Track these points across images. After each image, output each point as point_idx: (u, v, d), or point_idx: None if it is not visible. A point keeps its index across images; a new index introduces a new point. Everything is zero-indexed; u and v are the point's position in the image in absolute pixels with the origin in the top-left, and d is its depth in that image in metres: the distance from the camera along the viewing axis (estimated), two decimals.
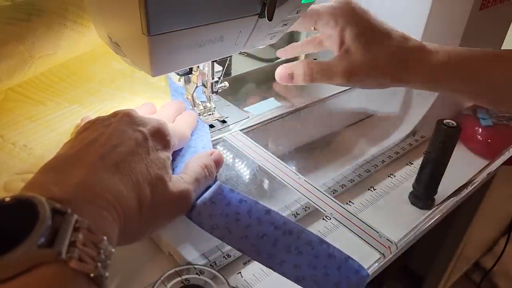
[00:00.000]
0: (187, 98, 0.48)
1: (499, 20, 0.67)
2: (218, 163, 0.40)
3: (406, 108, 0.61)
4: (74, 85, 0.49)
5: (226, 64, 0.47)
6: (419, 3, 0.60)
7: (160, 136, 0.35)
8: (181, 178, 0.35)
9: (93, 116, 0.43)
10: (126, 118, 0.35)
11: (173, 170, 0.38)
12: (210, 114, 0.49)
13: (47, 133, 0.43)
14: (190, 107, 0.49)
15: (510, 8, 0.66)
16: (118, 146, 0.31)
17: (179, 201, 0.34)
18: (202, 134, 0.45)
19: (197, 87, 0.47)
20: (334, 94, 0.59)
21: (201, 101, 0.49)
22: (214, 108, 0.50)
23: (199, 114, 0.48)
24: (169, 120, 0.42)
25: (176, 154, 0.41)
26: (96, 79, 0.50)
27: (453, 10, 0.59)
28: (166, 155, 0.35)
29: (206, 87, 0.48)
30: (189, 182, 0.35)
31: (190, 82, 0.47)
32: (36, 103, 0.46)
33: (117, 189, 0.29)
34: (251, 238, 0.34)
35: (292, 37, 0.77)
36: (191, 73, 0.46)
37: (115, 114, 0.35)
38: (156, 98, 0.49)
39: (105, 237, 0.25)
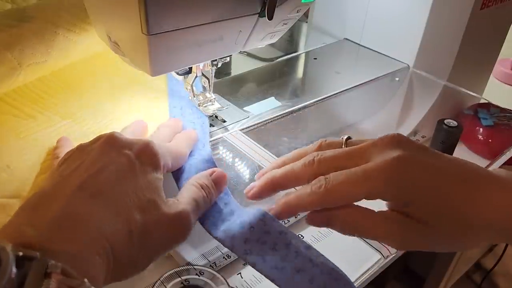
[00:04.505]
0: (187, 89, 0.48)
1: (499, 20, 0.66)
2: (219, 183, 0.36)
3: (407, 108, 0.61)
4: (68, 98, 0.47)
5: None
6: (420, 3, 0.60)
7: (148, 156, 0.32)
8: (177, 200, 0.32)
9: (76, 138, 0.41)
10: (109, 142, 0.32)
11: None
12: (210, 105, 0.49)
13: (34, 153, 0.40)
14: (190, 97, 0.48)
15: (511, 7, 0.66)
16: (100, 173, 0.29)
17: (176, 224, 0.31)
18: (203, 152, 0.41)
19: (196, 77, 0.47)
20: (334, 94, 0.59)
21: (200, 92, 0.49)
22: (214, 98, 0.49)
23: (199, 105, 0.48)
24: (164, 141, 0.40)
25: (177, 176, 0.38)
26: (92, 92, 0.48)
27: (454, 9, 0.59)
28: (157, 176, 0.32)
29: (205, 77, 0.47)
30: (185, 203, 0.32)
31: (189, 72, 0.47)
32: (26, 116, 0.43)
33: (100, 220, 0.27)
34: (287, 271, 0.31)
35: (292, 37, 0.77)
36: (191, 73, 0.46)
37: (97, 139, 0.33)
38: (155, 117, 0.46)
39: (85, 280, 0.22)
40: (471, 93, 0.64)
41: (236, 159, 0.47)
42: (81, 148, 0.33)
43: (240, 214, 0.35)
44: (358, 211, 0.30)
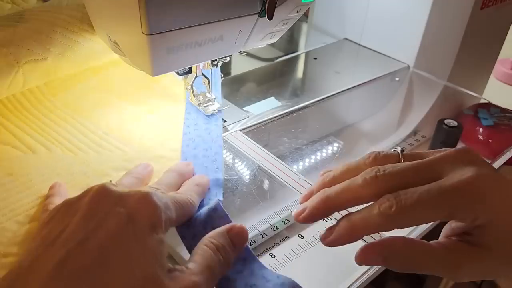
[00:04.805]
0: (187, 89, 0.48)
1: (500, 19, 0.66)
2: (239, 242, 0.30)
3: (407, 107, 0.61)
4: (74, 125, 0.44)
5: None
6: (420, 3, 0.60)
7: (145, 212, 0.26)
8: (186, 268, 0.27)
9: (77, 178, 0.38)
10: (98, 197, 0.27)
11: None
12: (210, 105, 0.49)
13: (24, 198, 0.36)
14: (190, 98, 0.48)
15: (511, 7, 0.66)
16: (84, 243, 0.24)
17: None
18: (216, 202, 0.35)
19: (196, 77, 0.46)
20: (334, 94, 0.59)
21: (200, 92, 0.49)
22: (214, 98, 0.49)
23: (199, 105, 0.48)
24: (171, 188, 0.35)
25: (183, 232, 0.33)
26: (97, 117, 0.45)
27: (454, 9, 0.59)
28: (157, 238, 0.26)
29: (205, 77, 0.47)
30: (197, 272, 0.26)
31: (189, 72, 0.47)
32: (25, 148, 0.41)
33: None
34: None
35: (292, 37, 0.77)
36: (191, 73, 0.46)
37: (86, 192, 0.28)
38: (167, 160, 0.42)
39: None
40: (471, 93, 0.64)
41: (236, 160, 0.47)
42: (67, 205, 0.28)
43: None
44: (417, 245, 0.27)
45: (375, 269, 0.38)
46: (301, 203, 0.31)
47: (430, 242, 0.27)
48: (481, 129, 0.57)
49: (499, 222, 0.26)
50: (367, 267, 0.37)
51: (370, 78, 0.62)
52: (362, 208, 0.27)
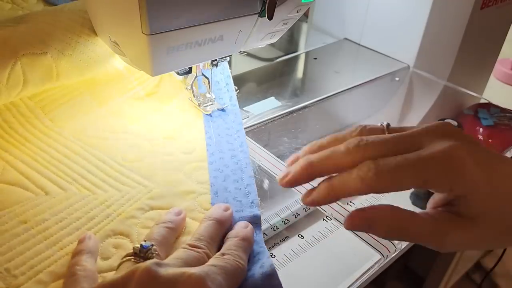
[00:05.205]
0: (187, 89, 0.48)
1: (500, 19, 0.66)
2: None
3: (407, 107, 0.61)
4: (87, 157, 0.40)
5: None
6: (420, 3, 0.60)
7: None
8: None
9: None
10: (146, 285, 0.25)
11: None
12: (210, 105, 0.49)
13: (43, 251, 0.32)
14: (190, 98, 0.48)
15: (511, 7, 0.66)
16: None
17: None
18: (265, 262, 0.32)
19: (196, 77, 0.46)
20: (334, 94, 0.59)
21: (200, 92, 0.49)
22: (214, 98, 0.49)
23: (199, 105, 0.48)
24: (214, 243, 0.32)
25: None
26: (110, 147, 0.41)
27: (454, 9, 0.59)
28: None
29: (205, 77, 0.47)
30: None
31: (189, 72, 0.47)
32: (36, 189, 0.36)
33: None
34: None
35: (292, 37, 0.77)
36: (191, 73, 0.46)
37: (129, 278, 0.25)
38: (197, 195, 0.38)
39: None
40: (471, 93, 0.64)
41: None
42: None
43: None
44: (403, 213, 0.28)
45: (375, 269, 0.38)
46: (287, 166, 0.32)
47: (417, 212, 0.28)
48: (481, 129, 0.57)
49: (480, 195, 0.26)
50: (367, 267, 0.37)
51: (370, 78, 0.62)
52: (344, 172, 0.28)
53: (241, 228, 0.34)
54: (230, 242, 0.32)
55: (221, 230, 0.33)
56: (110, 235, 0.34)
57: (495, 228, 0.27)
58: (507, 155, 0.56)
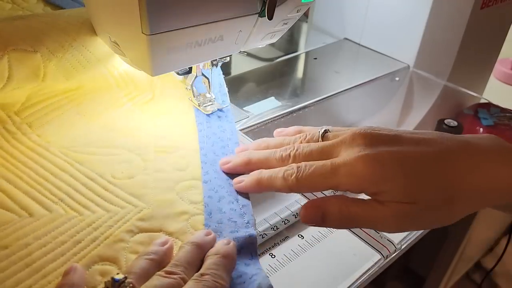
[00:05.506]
0: (187, 89, 0.48)
1: (500, 19, 0.66)
2: None
3: (407, 108, 0.61)
4: (74, 174, 0.37)
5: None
6: (420, 3, 0.60)
7: None
8: None
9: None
10: None
11: None
12: (210, 105, 0.48)
13: (24, 279, 0.29)
14: (190, 98, 0.48)
15: (511, 7, 0.66)
16: None
17: None
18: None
19: (196, 77, 0.46)
20: (334, 94, 0.59)
21: (200, 92, 0.49)
22: (214, 98, 0.49)
23: (199, 105, 0.48)
24: (192, 269, 0.30)
25: None
26: (98, 163, 0.39)
27: (454, 9, 0.59)
28: None
29: (205, 77, 0.47)
30: None
31: (189, 72, 0.47)
32: (19, 210, 0.34)
33: None
34: None
35: (292, 37, 0.77)
36: (191, 73, 0.46)
37: None
38: (190, 216, 0.35)
39: None
40: (471, 93, 0.64)
41: None
42: None
43: None
44: (351, 201, 0.31)
45: (375, 269, 0.38)
46: (236, 152, 0.39)
47: (364, 200, 0.31)
48: (481, 129, 0.57)
49: (393, 192, 0.30)
50: (367, 267, 0.37)
51: (370, 78, 0.62)
52: (276, 168, 0.34)
53: (222, 245, 0.32)
54: (210, 261, 0.30)
55: (200, 255, 0.31)
56: (96, 261, 0.31)
57: (430, 204, 0.30)
58: None
